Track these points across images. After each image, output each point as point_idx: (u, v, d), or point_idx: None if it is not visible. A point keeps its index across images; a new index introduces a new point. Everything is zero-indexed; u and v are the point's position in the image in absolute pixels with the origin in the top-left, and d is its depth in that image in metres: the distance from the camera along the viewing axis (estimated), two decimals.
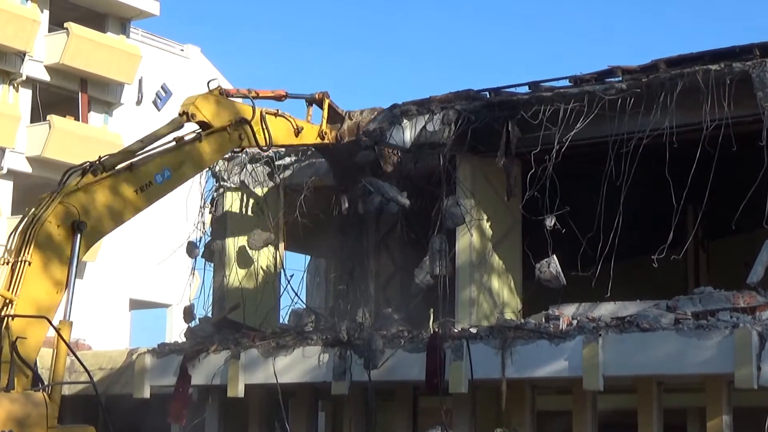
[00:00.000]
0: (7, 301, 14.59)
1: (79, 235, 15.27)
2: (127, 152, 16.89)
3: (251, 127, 18.80)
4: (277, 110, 19.84)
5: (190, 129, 18.22)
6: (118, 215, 16.19)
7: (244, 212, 24.71)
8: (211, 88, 18.60)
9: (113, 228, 16.29)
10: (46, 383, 14.62)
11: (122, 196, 16.19)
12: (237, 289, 24.32)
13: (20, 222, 15.37)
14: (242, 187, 24.51)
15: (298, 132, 20.14)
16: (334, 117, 21.14)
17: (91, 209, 15.66)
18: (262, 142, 19.14)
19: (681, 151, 18.31)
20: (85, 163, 16.12)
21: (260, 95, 19.81)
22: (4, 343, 14.37)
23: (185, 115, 18.03)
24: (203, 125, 18.23)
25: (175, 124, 17.76)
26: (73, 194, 15.53)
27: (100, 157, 16.33)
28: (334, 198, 22.04)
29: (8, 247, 15.19)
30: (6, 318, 14.44)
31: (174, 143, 17.46)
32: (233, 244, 24.52)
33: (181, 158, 17.37)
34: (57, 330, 14.62)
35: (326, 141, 20.94)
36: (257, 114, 19.02)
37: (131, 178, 16.40)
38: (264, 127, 19.14)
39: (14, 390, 14.17)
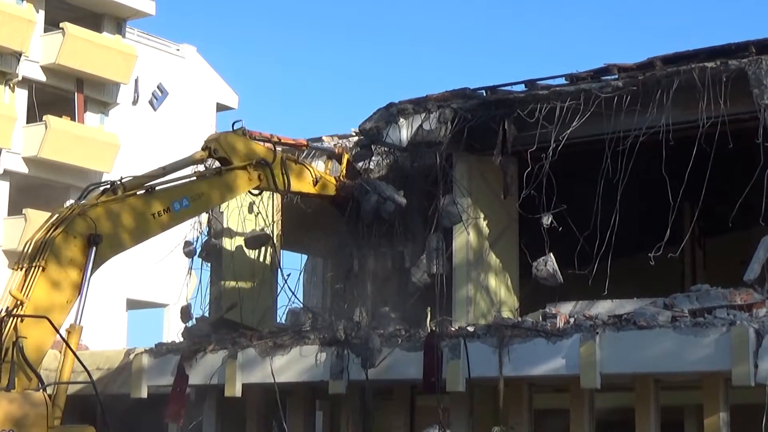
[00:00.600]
0: (18, 302, 14.75)
1: (94, 248, 15.66)
2: (148, 177, 17.34)
3: (271, 170, 19.18)
4: (297, 158, 20.40)
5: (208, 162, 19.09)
6: (133, 236, 16.65)
7: (240, 211, 24.69)
8: (235, 128, 19.13)
9: (127, 247, 16.75)
10: (47, 384, 14.67)
11: (139, 218, 16.64)
12: (234, 289, 24.31)
13: (40, 229, 15.77)
14: None
15: (316, 182, 20.50)
16: (352, 172, 21.35)
17: (108, 225, 16.07)
18: (281, 185, 19.57)
19: (677, 148, 18.31)
20: (107, 182, 16.66)
21: (282, 141, 20.29)
22: (8, 343, 14.46)
23: (208, 150, 18.60)
24: (223, 162, 18.73)
25: (197, 158, 18.37)
26: (93, 208, 15.95)
27: (122, 178, 16.89)
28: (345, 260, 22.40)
29: (25, 253, 15.53)
30: (12, 318, 14.55)
31: (194, 175, 18.07)
32: (230, 243, 24.51)
33: (200, 190, 17.87)
34: (61, 334, 14.80)
35: (343, 194, 21.19)
36: (278, 158, 19.43)
37: (150, 201, 16.88)
38: (284, 171, 19.54)
39: (14, 390, 14.22)
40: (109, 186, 16.54)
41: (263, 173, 19.07)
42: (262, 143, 19.57)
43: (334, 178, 21.15)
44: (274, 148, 19.59)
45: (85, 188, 16.77)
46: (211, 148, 18.65)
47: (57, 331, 14.88)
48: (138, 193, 16.86)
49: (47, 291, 15.14)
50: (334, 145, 21.88)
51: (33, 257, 15.32)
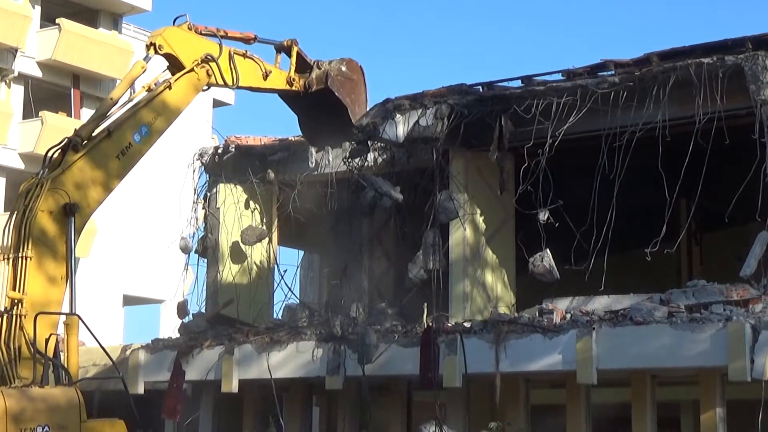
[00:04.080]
0: (16, 301, 14.60)
1: (73, 218, 15.24)
2: (100, 115, 16.65)
3: (218, 65, 18.45)
4: (246, 51, 19.42)
5: (153, 73, 17.97)
6: (106, 186, 16.06)
7: (237, 208, 24.70)
8: (179, 22, 18.27)
9: (103, 200, 16.11)
10: (77, 380, 14.67)
11: (106, 167, 16.04)
12: (230, 285, 24.32)
13: (11, 216, 15.30)
14: (235, 182, 24.50)
15: (266, 75, 19.66)
16: (303, 65, 20.50)
17: (79, 188, 15.55)
18: (229, 81, 18.78)
19: (674, 144, 18.32)
20: (63, 140, 15.93)
21: (229, 35, 19.34)
22: (21, 341, 14.43)
23: (152, 47, 17.68)
24: (169, 58, 17.93)
25: (138, 70, 17.40)
26: (59, 177, 15.42)
27: (75, 130, 16.22)
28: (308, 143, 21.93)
29: (5, 243, 15.16)
30: (20, 317, 14.49)
31: (145, 93, 17.19)
32: (226, 239, 24.51)
33: (154, 111, 17.08)
34: (88, 327, 14.69)
35: (294, 88, 20.34)
36: (225, 52, 18.66)
37: (111, 145, 16.22)
38: (232, 65, 18.78)
39: (47, 385, 14.24)
40: (66, 145, 15.78)
41: (211, 69, 18.32)
42: (208, 38, 18.75)
43: (285, 71, 20.28)
44: (220, 41, 18.74)
45: (44, 154, 15.92)
46: (155, 44, 17.67)
47: (85, 325, 14.77)
48: (95, 139, 16.12)
49: (41, 280, 14.86)
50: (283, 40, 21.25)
51: (17, 246, 14.91)
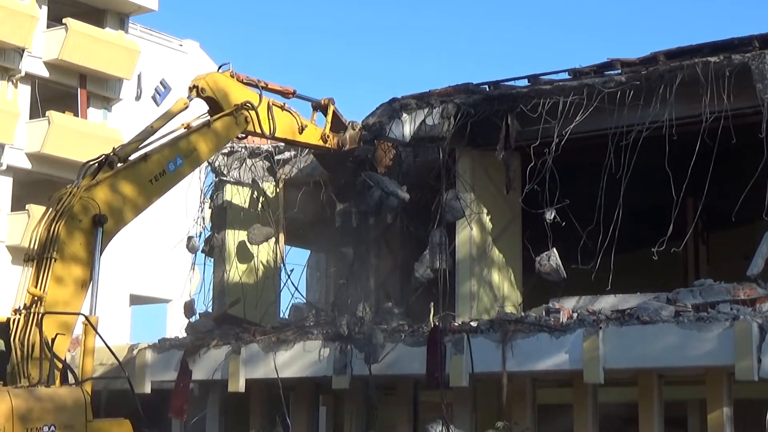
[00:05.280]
0: (36, 298, 14.73)
1: (100, 230, 15.63)
2: (139, 140, 17.17)
3: (257, 113, 19.15)
4: (284, 104, 20.22)
5: (195, 113, 18.59)
6: (135, 206, 16.59)
7: (244, 207, 24.72)
8: (222, 70, 19.07)
9: (131, 219, 16.68)
10: (83, 379, 14.72)
11: (138, 188, 16.57)
12: (237, 284, 24.35)
13: (41, 220, 15.63)
14: (242, 182, 24.51)
15: (302, 129, 20.49)
16: (337, 124, 21.45)
17: (109, 202, 16.01)
18: (266, 130, 19.51)
19: (680, 143, 18.30)
20: (101, 156, 16.42)
21: (269, 87, 20.15)
22: (35, 339, 14.49)
23: (195, 89, 18.47)
24: (210, 102, 18.59)
25: (181, 105, 18.06)
26: (92, 189, 15.86)
27: (114, 149, 16.70)
28: (331, 210, 22.37)
29: (31, 245, 15.44)
30: (37, 315, 14.58)
31: (183, 130, 17.79)
32: (233, 239, 24.55)
33: (191, 145, 17.73)
34: (96, 330, 14.78)
35: (327, 145, 21.18)
36: (264, 102, 19.42)
37: (145, 169, 16.78)
38: (270, 116, 19.53)
39: (54, 385, 14.28)
40: (104, 160, 16.32)
41: (249, 116, 19.04)
42: (249, 87, 19.49)
43: (320, 128, 21.12)
44: (261, 92, 19.52)
45: (81, 167, 16.49)
46: (198, 87, 18.54)
47: (94, 327, 14.85)
48: (131, 160, 16.72)
49: (62, 282, 15.13)
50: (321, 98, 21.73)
51: (42, 250, 15.25)
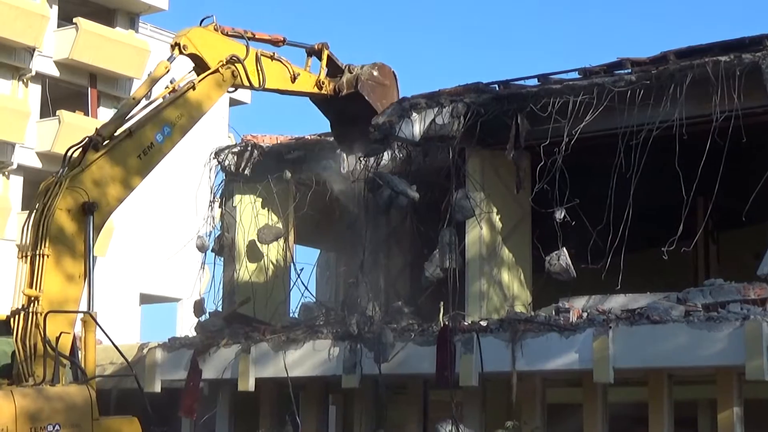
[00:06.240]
0: (33, 298, 14.57)
1: (91, 217, 15.09)
2: (122, 115, 16.41)
3: (244, 66, 18.25)
4: (273, 53, 19.26)
5: (178, 73, 17.67)
6: (126, 185, 15.86)
7: (253, 206, 24.73)
8: (206, 24, 18.08)
9: (123, 199, 15.94)
10: (90, 377, 14.67)
11: (126, 166, 15.82)
12: (247, 283, 24.36)
13: (30, 214, 15.21)
14: (252, 180, 24.53)
15: (294, 78, 19.56)
16: (334, 69, 20.51)
17: (98, 187, 15.38)
18: (255, 82, 18.57)
19: (691, 142, 18.27)
20: (84, 138, 15.74)
21: (257, 37, 19.15)
22: (37, 338, 14.43)
23: (177, 47, 17.48)
24: (194, 59, 17.73)
25: (161, 70, 17.09)
26: (78, 176, 15.28)
27: (97, 129, 16.02)
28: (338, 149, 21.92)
29: (23, 241, 15.04)
30: (36, 315, 14.47)
31: (168, 95, 16.94)
32: (243, 238, 24.55)
33: (178, 111, 16.83)
34: (101, 327, 14.70)
35: (323, 92, 20.28)
36: (252, 53, 18.48)
37: (132, 144, 16.00)
38: (259, 67, 18.61)
39: (59, 384, 14.24)
40: (87, 143, 15.56)
41: (237, 70, 18.08)
42: (235, 39, 18.53)
43: (314, 75, 20.24)
44: (247, 43, 18.57)
45: (64, 153, 15.70)
46: (180, 44, 17.43)
47: (96, 321, 14.75)
48: (116, 138, 15.88)
49: (58, 278, 14.78)
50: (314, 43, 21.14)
51: (35, 244, 14.81)
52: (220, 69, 17.78)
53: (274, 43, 19.61)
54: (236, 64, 18.07)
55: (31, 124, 40.09)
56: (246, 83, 18.46)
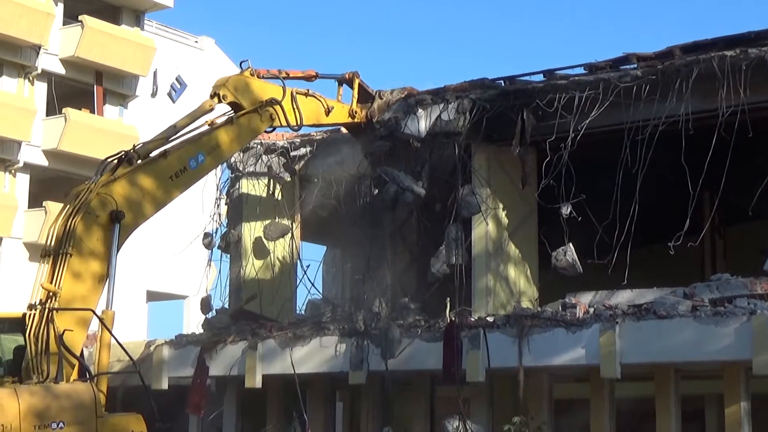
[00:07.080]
0: (51, 294, 14.72)
1: (118, 225, 15.53)
2: (161, 139, 17.05)
3: (282, 107, 18.97)
4: (308, 90, 20.04)
5: (220, 112, 18.48)
6: (155, 203, 16.45)
7: (260, 203, 24.74)
8: (242, 69, 18.83)
9: (151, 215, 16.53)
10: (94, 375, 14.73)
11: (158, 184, 16.43)
12: (254, 280, 24.37)
13: (59, 214, 15.58)
14: (258, 178, 24.53)
15: (328, 111, 20.35)
16: (365, 96, 21.31)
17: (128, 199, 15.89)
18: (293, 121, 19.37)
19: (697, 137, 18.26)
20: (121, 152, 16.29)
21: (290, 76, 19.98)
22: (50, 335, 14.50)
23: (216, 97, 18.26)
24: (234, 106, 18.42)
25: (206, 107, 17.92)
26: (110, 185, 15.75)
27: (134, 146, 16.59)
28: (359, 186, 22.25)
29: (48, 240, 15.38)
30: (51, 311, 14.58)
31: (207, 127, 17.63)
32: (249, 235, 24.55)
33: (214, 142, 17.56)
34: (107, 326, 14.82)
35: (357, 120, 21.09)
36: (288, 94, 19.23)
37: (166, 165, 16.63)
38: (295, 106, 19.36)
39: (63, 381, 14.30)
40: (123, 157, 16.17)
41: (275, 112, 18.84)
42: (270, 81, 19.29)
43: (347, 105, 21.04)
44: (283, 83, 19.35)
45: (100, 163, 16.37)
46: (219, 94, 18.30)
47: (104, 324, 14.88)
48: (151, 157, 16.56)
49: (78, 278, 15.08)
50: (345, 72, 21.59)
51: (58, 246, 15.19)
52: (258, 110, 18.52)
53: (307, 78, 20.50)
54: (275, 107, 18.79)
55: (37, 122, 40.09)
56: (284, 123, 19.24)
